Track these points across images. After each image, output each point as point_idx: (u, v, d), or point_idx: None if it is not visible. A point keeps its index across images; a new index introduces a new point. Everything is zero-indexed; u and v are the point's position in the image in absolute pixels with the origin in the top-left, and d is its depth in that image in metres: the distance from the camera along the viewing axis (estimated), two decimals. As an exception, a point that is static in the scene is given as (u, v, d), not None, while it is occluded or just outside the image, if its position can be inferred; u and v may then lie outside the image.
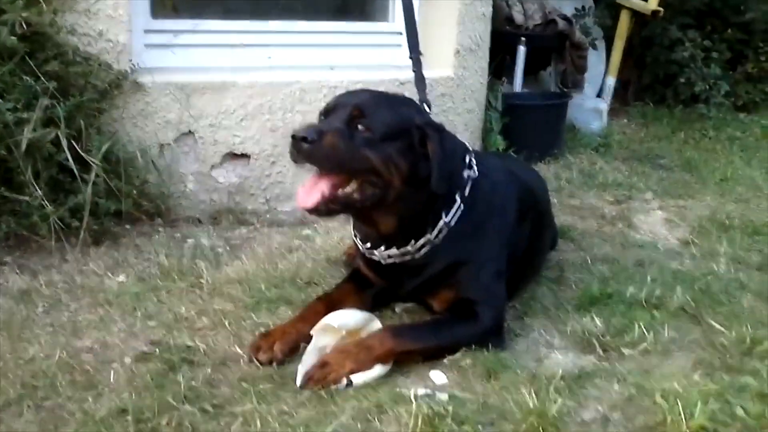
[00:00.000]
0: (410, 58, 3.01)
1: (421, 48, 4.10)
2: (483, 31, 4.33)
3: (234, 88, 3.39)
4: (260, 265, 2.99)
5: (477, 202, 2.50)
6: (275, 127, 3.48)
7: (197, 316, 2.55)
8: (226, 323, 2.50)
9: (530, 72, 5.83)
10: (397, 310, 2.74)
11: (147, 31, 3.43)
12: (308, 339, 2.34)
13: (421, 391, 2.23)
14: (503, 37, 5.26)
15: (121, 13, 3.16)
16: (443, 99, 4.04)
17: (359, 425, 2.02)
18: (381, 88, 3.67)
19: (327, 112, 2.39)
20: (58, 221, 2.76)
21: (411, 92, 3.81)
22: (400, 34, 4.06)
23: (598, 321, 2.68)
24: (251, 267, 2.95)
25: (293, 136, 2.20)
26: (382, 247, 2.46)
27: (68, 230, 2.89)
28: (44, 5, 2.88)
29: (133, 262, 2.90)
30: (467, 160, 2.52)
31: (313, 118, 3.50)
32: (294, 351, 2.36)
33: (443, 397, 2.21)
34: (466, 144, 2.62)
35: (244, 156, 3.46)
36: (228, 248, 3.16)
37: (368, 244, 2.50)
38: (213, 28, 3.62)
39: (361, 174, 2.27)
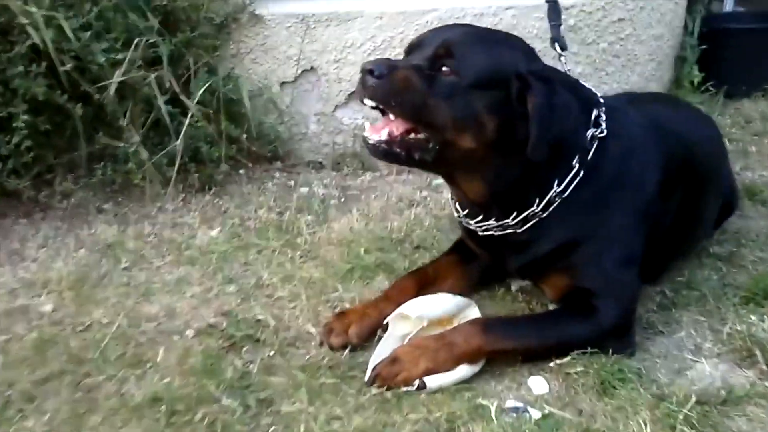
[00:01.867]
0: None
1: (589, -42, 3.50)
2: (678, -68, 3.57)
3: (361, 18, 3.02)
4: (370, 222, 2.68)
5: (602, 169, 1.98)
6: (408, 62, 3.09)
7: (280, 283, 2.31)
8: (305, 296, 2.23)
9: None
10: (513, 288, 2.32)
11: (270, -43, 3.14)
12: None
13: (509, 404, 1.84)
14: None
15: (237, -63, 2.90)
16: (621, 25, 3.40)
17: (419, 445, 1.69)
18: (536, 15, 3.20)
19: (411, 49, 1.96)
20: (154, 169, 2.62)
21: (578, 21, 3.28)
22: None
23: (768, 323, 2.10)
24: (359, 224, 2.65)
25: (362, 68, 1.82)
26: (480, 217, 2.04)
27: (175, 177, 2.75)
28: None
29: (233, 213, 2.70)
30: (593, 116, 1.99)
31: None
32: (373, 335, 2.04)
33: (535, 414, 1.80)
34: (595, 93, 2.08)
35: (372, 95, 3.11)
36: (342, 199, 2.87)
37: (465, 211, 2.08)
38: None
39: (433, 128, 1.84)
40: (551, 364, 1.95)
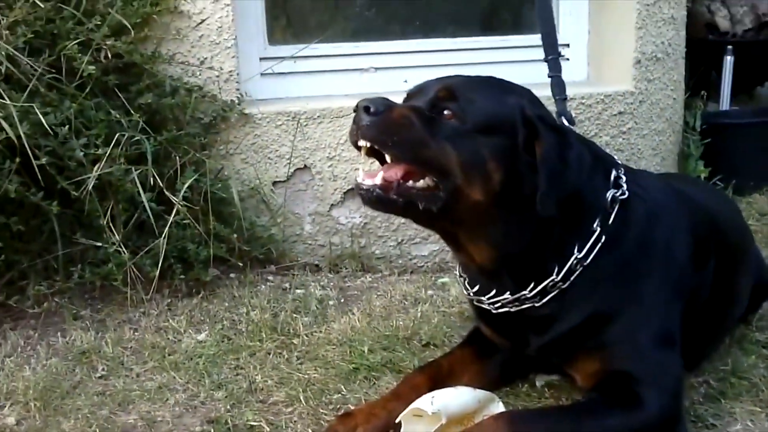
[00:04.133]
0: (546, 60, 2.35)
1: (594, 59, 3.47)
2: (673, 37, 3.55)
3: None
4: (373, 321, 2.44)
5: (627, 234, 1.79)
6: (406, 157, 2.96)
7: (276, 386, 2.05)
8: (303, 398, 1.96)
9: (743, 89, 4.86)
10: (537, 384, 2.07)
11: (263, 59, 3.07)
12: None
13: None
14: (705, 47, 4.41)
15: (225, 38, 2.82)
16: (622, 118, 3.31)
17: None
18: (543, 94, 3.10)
19: (410, 97, 1.81)
20: (134, 270, 2.40)
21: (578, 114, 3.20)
22: (566, 46, 3.44)
23: (834, 407, 1.84)
24: (361, 324, 2.41)
25: (356, 106, 1.66)
26: (493, 291, 1.81)
27: (160, 281, 2.54)
28: (132, 32, 2.58)
29: (223, 316, 2.47)
30: (612, 177, 1.82)
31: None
32: (382, 439, 1.77)
33: None
34: (613, 157, 1.92)
35: (369, 192, 2.96)
36: (342, 300, 2.65)
37: (476, 288, 1.86)
38: (339, 51, 3.19)
39: (435, 172, 1.65)
40: (592, 463, 1.68)
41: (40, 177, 2.30)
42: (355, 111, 1.66)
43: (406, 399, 1.79)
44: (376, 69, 3.23)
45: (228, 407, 1.95)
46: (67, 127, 2.35)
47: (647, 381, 1.72)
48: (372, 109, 1.63)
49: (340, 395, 2.00)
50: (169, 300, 2.55)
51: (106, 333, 2.34)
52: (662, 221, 1.85)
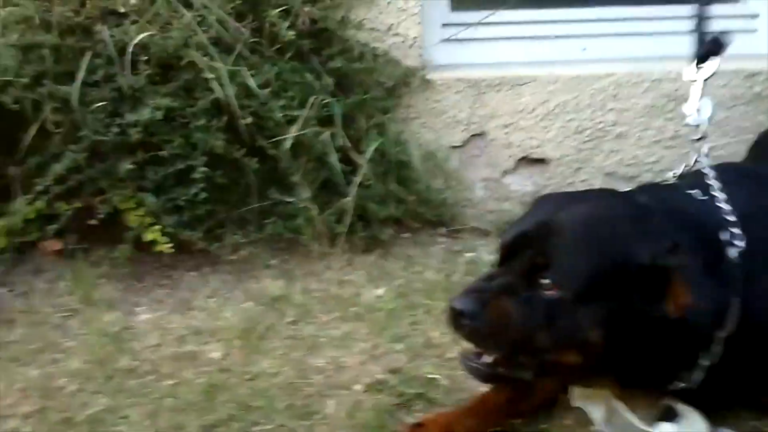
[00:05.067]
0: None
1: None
2: None
3: (534, 83, 2.94)
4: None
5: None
6: (581, 128, 2.96)
7: (451, 343, 2.16)
8: (478, 357, 2.07)
9: None
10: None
11: (445, 25, 3.13)
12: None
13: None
14: None
15: (412, 5, 2.91)
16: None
17: None
18: (722, 82, 2.97)
19: (504, 249, 1.66)
20: (323, 226, 2.59)
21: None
22: (754, 16, 3.27)
23: None
24: (533, 291, 2.47)
25: (450, 307, 1.58)
26: None
27: (341, 236, 2.71)
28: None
29: (399, 274, 2.60)
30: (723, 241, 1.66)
31: (628, 118, 2.97)
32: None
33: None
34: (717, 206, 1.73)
35: (542, 161, 2.99)
36: (512, 267, 2.71)
37: None
38: (520, 18, 3.20)
39: (531, 354, 1.57)
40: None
41: (243, 136, 2.51)
42: (450, 309, 1.58)
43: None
44: (556, 37, 3.21)
45: (408, 359, 2.09)
46: (268, 89, 2.53)
47: None
48: (467, 313, 1.54)
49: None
50: (348, 255, 2.71)
51: (293, 282, 2.54)
52: None
